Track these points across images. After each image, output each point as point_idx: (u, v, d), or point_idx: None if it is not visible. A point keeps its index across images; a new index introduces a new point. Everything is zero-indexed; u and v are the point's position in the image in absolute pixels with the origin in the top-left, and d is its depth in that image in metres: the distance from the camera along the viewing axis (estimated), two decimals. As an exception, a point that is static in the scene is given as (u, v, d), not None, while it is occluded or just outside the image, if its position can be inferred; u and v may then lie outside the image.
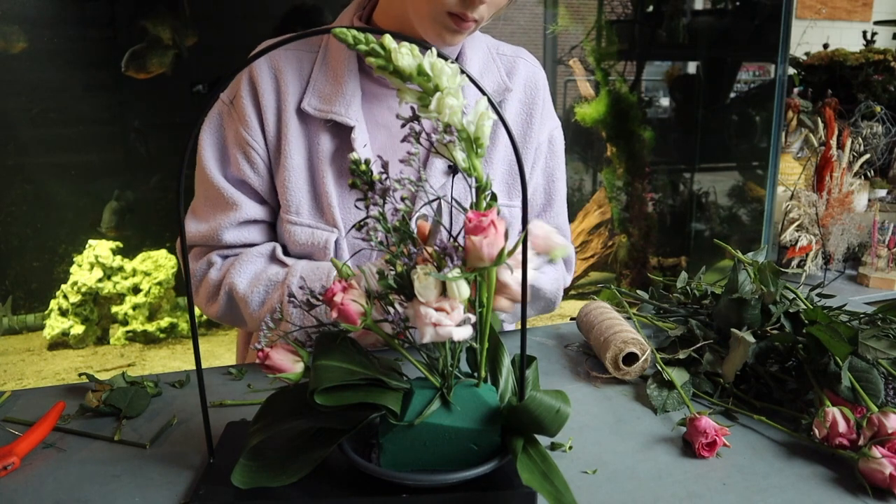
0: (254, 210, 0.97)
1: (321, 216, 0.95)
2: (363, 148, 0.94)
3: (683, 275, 1.16)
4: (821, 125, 1.76)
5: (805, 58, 2.88)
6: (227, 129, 0.98)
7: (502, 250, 0.55)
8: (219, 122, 0.98)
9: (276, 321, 0.66)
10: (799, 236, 1.62)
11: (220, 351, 3.11)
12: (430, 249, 0.58)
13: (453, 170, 0.58)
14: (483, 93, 0.54)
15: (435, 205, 0.71)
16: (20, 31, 2.91)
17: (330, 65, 0.96)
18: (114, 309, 3.23)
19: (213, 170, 0.96)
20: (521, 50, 1.08)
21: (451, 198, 0.64)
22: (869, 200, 2.07)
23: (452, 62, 0.55)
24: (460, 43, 0.95)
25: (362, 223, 0.60)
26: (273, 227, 1.00)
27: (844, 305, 0.95)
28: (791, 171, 2.34)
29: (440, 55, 0.55)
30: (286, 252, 0.98)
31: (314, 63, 0.97)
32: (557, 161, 1.09)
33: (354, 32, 0.54)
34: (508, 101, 1.03)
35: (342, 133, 0.95)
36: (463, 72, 0.55)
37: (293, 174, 0.95)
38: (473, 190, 0.58)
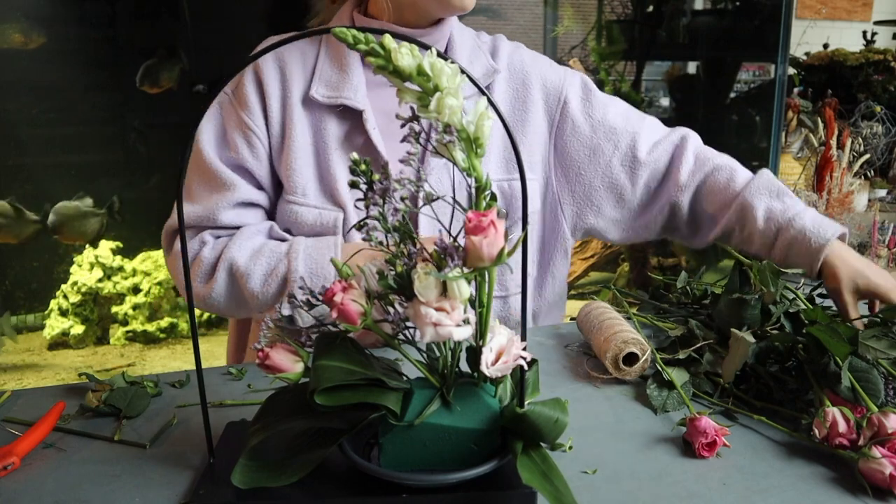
0: (251, 193, 0.99)
1: (328, 198, 0.97)
2: (374, 131, 0.97)
3: (683, 275, 1.16)
4: (821, 125, 1.76)
5: (805, 58, 2.88)
6: (227, 117, 1.00)
7: (502, 250, 0.55)
8: (218, 111, 1.01)
9: (275, 321, 0.66)
10: (799, 236, 1.61)
11: (220, 351, 3.09)
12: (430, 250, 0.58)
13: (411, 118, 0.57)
14: (483, 92, 0.54)
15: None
16: (28, 28, 2.92)
17: (334, 55, 1.00)
18: (114, 309, 3.23)
19: (211, 153, 0.98)
20: (499, 36, 1.13)
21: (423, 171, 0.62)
22: (869, 200, 2.07)
23: (444, 54, 0.55)
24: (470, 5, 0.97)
25: (362, 223, 0.60)
26: (268, 214, 1.02)
27: (844, 305, 0.95)
28: (791, 171, 2.34)
29: (418, 44, 0.55)
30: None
31: (318, 54, 1.01)
32: (601, 99, 1.13)
33: (354, 32, 0.54)
34: (496, 83, 1.07)
35: (351, 118, 0.98)
36: (463, 71, 0.55)
37: (299, 157, 0.97)
38: (473, 190, 0.58)
